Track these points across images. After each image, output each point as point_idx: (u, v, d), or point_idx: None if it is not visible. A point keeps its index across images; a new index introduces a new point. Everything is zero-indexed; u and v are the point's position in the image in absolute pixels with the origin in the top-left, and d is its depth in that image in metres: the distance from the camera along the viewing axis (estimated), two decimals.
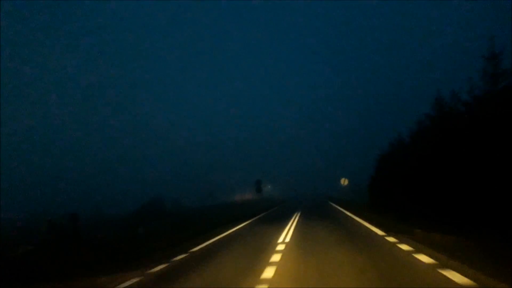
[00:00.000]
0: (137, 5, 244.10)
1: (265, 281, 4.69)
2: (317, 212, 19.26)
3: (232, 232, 12.44)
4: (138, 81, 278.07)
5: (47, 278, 6.28)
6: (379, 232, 8.99)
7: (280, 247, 7.64)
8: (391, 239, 7.75)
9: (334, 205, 23.54)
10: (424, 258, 5.39)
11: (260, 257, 6.60)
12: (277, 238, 9.40)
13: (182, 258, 7.31)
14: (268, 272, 5.16)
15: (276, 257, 6.43)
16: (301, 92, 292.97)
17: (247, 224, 15.40)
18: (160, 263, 6.67)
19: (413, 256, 5.69)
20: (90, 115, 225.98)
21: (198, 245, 9.31)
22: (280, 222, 14.47)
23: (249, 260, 6.48)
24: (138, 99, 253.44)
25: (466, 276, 4.14)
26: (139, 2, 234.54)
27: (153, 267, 6.33)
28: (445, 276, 4.27)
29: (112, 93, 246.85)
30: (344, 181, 25.47)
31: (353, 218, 13.16)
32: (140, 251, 8.95)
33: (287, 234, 10.03)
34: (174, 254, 7.85)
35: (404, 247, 6.54)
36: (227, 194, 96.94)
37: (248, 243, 9.43)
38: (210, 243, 9.69)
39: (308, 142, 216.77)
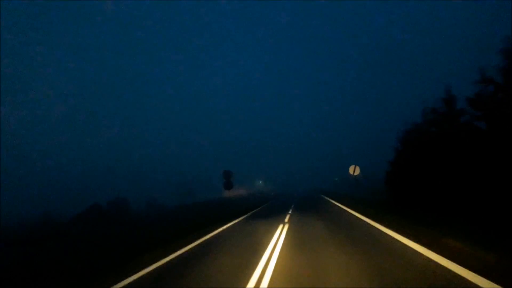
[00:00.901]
0: (138, 6, 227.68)
1: None
2: (318, 227, 9.49)
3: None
4: (110, 79, 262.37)
5: None
6: None
7: None
8: None
9: (339, 205, 16.01)
10: None
11: None
12: None
13: None
14: None
15: None
16: (299, 89, 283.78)
17: (199, 243, 8.48)
18: None
19: None
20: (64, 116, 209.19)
21: None
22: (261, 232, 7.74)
23: None
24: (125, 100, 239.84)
25: None
26: (141, 4, 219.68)
27: None
28: None
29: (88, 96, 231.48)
30: (354, 170, 17.92)
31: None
32: None
33: None
34: None
35: None
36: (216, 191, 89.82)
37: None
38: None
39: (303, 138, 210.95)
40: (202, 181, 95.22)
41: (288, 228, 9.48)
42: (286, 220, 12.25)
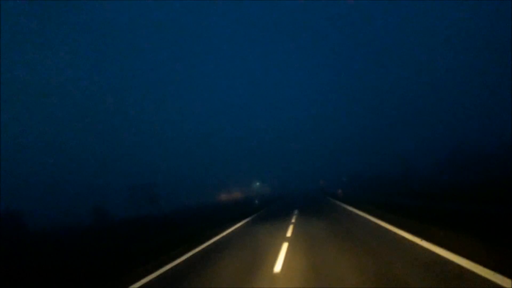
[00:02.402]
0: (137, 6, 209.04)
1: None
2: None
3: None
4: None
5: None
6: None
7: None
8: None
9: None
10: None
11: None
12: None
13: None
14: None
15: None
16: (298, 91, 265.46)
17: None
18: None
19: None
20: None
21: None
22: None
23: None
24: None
25: None
26: (141, 2, 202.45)
27: None
28: None
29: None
30: None
31: None
32: None
33: None
34: None
35: None
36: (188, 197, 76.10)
37: None
38: None
39: (303, 138, 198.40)
40: (173, 184, 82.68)
41: None
42: None
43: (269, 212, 21.47)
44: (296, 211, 18.01)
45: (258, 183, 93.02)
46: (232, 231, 12.14)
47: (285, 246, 7.28)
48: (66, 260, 10.20)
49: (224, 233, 11.68)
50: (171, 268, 6.58)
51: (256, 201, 33.35)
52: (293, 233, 9.50)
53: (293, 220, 13.14)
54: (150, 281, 5.72)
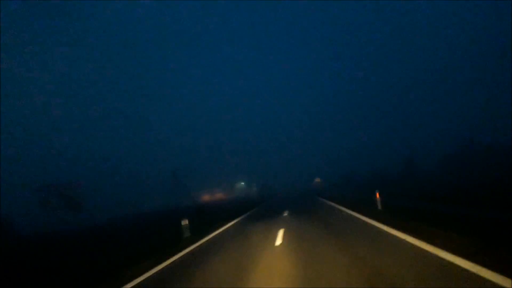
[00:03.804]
0: (136, 6, 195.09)
1: None
2: None
3: None
4: None
5: None
6: None
7: None
8: None
9: None
10: None
11: None
12: None
13: None
14: None
15: None
16: (291, 89, 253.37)
17: None
18: None
19: None
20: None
21: None
22: None
23: None
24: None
25: None
26: (138, 3, 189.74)
27: None
28: None
29: None
30: None
31: None
32: None
33: None
34: None
35: None
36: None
37: None
38: None
39: (297, 134, 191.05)
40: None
41: None
42: None
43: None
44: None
45: (242, 183, 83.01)
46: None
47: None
48: None
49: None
50: None
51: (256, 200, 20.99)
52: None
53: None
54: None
